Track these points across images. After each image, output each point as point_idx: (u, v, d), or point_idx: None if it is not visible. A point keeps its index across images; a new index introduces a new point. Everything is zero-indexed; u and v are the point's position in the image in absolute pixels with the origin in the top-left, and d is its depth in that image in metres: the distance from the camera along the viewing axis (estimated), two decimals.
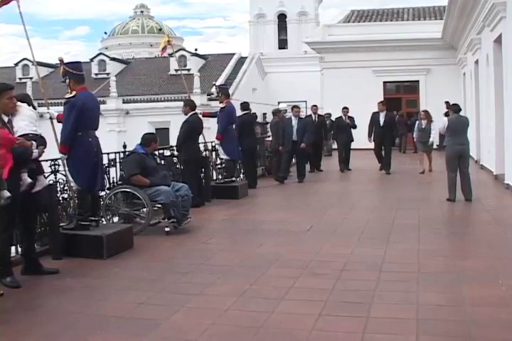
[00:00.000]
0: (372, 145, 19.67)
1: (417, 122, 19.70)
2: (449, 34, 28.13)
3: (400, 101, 32.62)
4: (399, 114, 30.65)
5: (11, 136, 6.40)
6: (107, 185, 10.19)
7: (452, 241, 8.89)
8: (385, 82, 32.17)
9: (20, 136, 6.81)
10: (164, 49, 16.87)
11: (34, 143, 6.96)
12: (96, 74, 49.43)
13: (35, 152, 6.97)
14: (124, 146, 10.84)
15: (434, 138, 19.26)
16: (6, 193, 6.03)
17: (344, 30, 33.23)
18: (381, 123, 19.11)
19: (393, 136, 20.31)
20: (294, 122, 17.53)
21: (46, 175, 7.94)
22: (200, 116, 13.27)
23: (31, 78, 46.58)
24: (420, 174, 18.29)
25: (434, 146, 20.19)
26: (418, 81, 31.88)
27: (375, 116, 19.53)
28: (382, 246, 8.42)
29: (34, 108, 7.62)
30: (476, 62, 21.44)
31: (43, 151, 7.20)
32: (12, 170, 6.48)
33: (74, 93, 8.30)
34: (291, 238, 9.26)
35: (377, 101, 20.21)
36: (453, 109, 12.82)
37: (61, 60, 8.58)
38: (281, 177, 16.88)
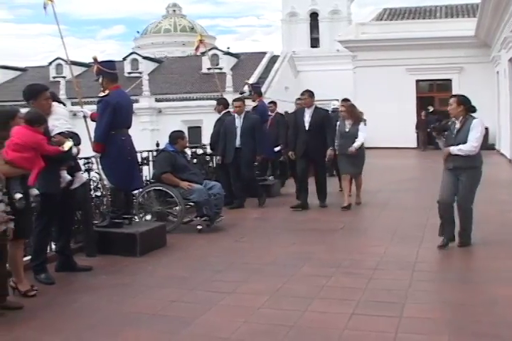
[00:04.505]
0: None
1: (338, 123, 12.37)
2: (482, 32, 27.85)
3: (432, 99, 32.40)
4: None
5: (40, 137, 6.41)
6: None
7: (485, 240, 8.79)
8: (417, 81, 31.97)
9: (56, 134, 6.89)
10: (198, 48, 17.05)
11: (71, 140, 7.03)
12: (129, 73, 49.63)
13: (74, 149, 7.04)
14: (157, 145, 10.89)
15: (358, 142, 11.96)
16: (18, 195, 6.05)
17: (377, 29, 33.08)
18: (306, 124, 11.97)
19: (327, 145, 11.89)
20: (238, 122, 12.51)
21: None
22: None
23: (64, 77, 46.98)
24: (343, 210, 11.64)
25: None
26: (451, 79, 31.60)
27: (296, 115, 12.51)
28: (415, 245, 8.36)
29: (64, 105, 7.71)
30: (510, 60, 21.22)
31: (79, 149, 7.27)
32: (52, 167, 6.56)
33: (107, 92, 8.36)
34: (323, 237, 9.24)
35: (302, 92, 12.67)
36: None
37: (95, 59, 8.65)
38: (236, 204, 12.27)
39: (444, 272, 7.02)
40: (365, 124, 12.39)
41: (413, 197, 13.63)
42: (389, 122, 28.62)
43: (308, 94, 12.23)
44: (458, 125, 8.04)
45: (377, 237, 9.12)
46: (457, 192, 8.14)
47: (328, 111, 13.46)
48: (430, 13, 35.75)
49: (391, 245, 8.49)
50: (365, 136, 12.07)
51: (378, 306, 5.76)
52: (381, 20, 35.22)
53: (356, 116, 12.13)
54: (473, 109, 8.08)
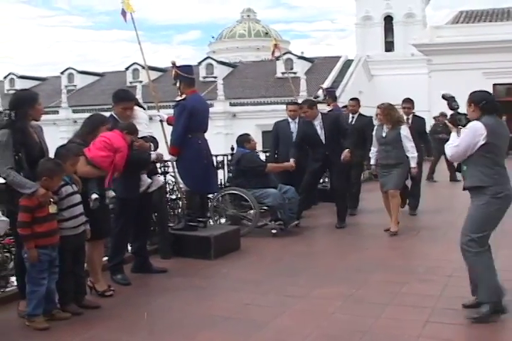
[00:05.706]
0: None
1: (375, 127, 10.54)
2: None
3: (510, 104, 31.73)
4: None
5: (124, 144, 6.56)
6: None
7: None
8: (494, 85, 31.31)
9: (138, 139, 7.04)
10: (273, 52, 17.30)
11: (152, 144, 7.18)
12: (204, 78, 50.12)
13: (153, 154, 7.19)
14: (232, 148, 10.96)
15: (413, 158, 10.02)
16: (94, 195, 6.17)
17: (453, 32, 32.61)
18: (321, 138, 10.28)
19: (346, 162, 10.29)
20: (293, 126, 11.65)
21: None
22: None
23: (141, 82, 47.74)
24: (389, 233, 9.71)
25: None
26: None
27: (306, 131, 10.47)
28: (492, 252, 8.18)
29: (144, 109, 7.86)
30: None
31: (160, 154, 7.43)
32: (131, 172, 6.72)
33: (184, 96, 8.48)
34: (398, 242, 9.16)
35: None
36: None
37: (173, 63, 8.76)
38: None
39: None
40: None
41: None
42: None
43: (308, 105, 10.53)
44: None
45: (452, 243, 8.91)
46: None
47: (338, 113, 12.27)
48: (508, 15, 35.08)
49: None
50: (413, 145, 10.03)
51: (453, 314, 5.67)
52: (457, 23, 34.74)
53: (395, 120, 9.97)
54: (490, 109, 5.95)
